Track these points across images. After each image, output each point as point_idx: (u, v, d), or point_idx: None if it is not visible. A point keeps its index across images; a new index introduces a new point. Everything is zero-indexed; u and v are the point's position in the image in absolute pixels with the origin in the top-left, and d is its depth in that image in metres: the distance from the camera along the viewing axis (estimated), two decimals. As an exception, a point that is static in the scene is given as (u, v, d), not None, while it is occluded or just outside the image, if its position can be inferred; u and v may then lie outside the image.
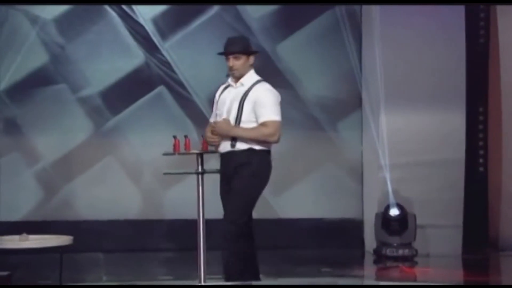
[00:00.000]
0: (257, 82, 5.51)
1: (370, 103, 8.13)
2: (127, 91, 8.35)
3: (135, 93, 8.37)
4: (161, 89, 8.40)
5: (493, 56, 8.13)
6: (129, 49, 8.35)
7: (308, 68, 8.49)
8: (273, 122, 5.39)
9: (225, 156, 5.48)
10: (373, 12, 7.97)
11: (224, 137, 5.44)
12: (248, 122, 5.42)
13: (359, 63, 8.36)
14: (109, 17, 8.35)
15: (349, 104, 8.50)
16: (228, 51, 5.51)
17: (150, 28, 8.34)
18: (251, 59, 5.54)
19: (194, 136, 7.49)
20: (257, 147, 5.42)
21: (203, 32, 8.36)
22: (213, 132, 5.49)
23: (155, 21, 8.39)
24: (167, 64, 8.39)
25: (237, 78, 5.50)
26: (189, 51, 8.37)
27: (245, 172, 5.40)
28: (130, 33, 8.35)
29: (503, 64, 8.01)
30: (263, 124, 5.38)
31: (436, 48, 7.86)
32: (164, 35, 8.40)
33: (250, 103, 5.41)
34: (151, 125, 8.30)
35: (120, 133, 8.37)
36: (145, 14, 8.38)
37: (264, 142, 5.45)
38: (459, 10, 7.88)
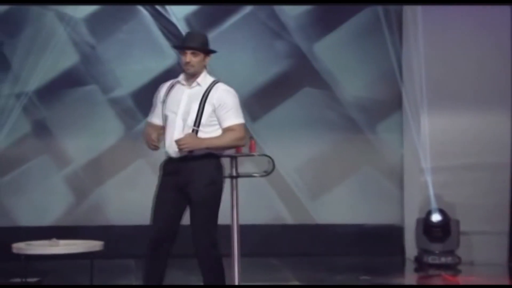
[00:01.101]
0: (215, 82, 5.30)
1: (411, 104, 8.09)
2: (159, 92, 8.38)
3: (167, 94, 8.39)
4: (194, 90, 8.41)
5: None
6: (161, 49, 8.38)
7: (346, 67, 8.47)
8: (240, 125, 5.23)
9: (178, 161, 5.22)
10: (415, 9, 7.93)
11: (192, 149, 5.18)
12: (207, 126, 5.20)
13: (400, 62, 8.31)
14: (141, 16, 8.40)
15: (389, 105, 8.46)
16: (187, 46, 5.28)
17: (182, 27, 8.35)
18: (207, 58, 5.39)
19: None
20: (214, 152, 5.23)
21: (237, 31, 8.37)
22: (181, 147, 5.15)
23: (188, 20, 8.42)
24: None
25: (190, 76, 5.29)
26: (223, 51, 8.28)
27: (205, 181, 5.18)
28: (162, 32, 8.39)
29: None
30: (230, 129, 5.20)
31: (480, 47, 7.82)
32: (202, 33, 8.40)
33: (211, 105, 5.20)
34: (184, 127, 8.31)
35: (151, 135, 8.39)
36: (178, 13, 8.41)
37: (233, 148, 5.42)
38: (505, 8, 7.82)
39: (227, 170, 5.73)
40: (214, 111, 5.19)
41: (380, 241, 8.28)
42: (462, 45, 7.83)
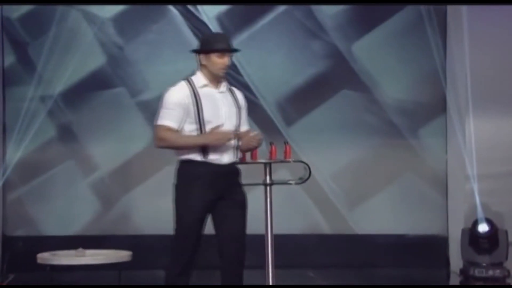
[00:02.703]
0: (228, 84, 5.49)
1: (456, 107, 8.06)
2: (189, 95, 8.41)
3: (198, 97, 8.42)
4: (226, 92, 8.44)
5: None
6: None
7: (386, 69, 8.44)
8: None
9: (226, 168, 5.31)
10: (460, 9, 7.90)
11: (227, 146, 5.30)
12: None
13: (443, 63, 8.28)
14: (171, 16, 8.45)
15: (432, 108, 8.42)
16: (232, 49, 5.45)
17: (214, 27, 8.39)
18: None
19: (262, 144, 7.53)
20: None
21: (271, 31, 8.40)
22: (260, 142, 5.39)
23: (220, 20, 8.45)
24: (232, 65, 8.28)
25: (216, 79, 5.37)
26: (256, 52, 8.39)
27: (241, 184, 5.44)
28: (193, 32, 8.41)
29: None
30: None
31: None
32: (229, 34, 8.31)
33: (240, 108, 5.43)
34: (215, 132, 8.34)
35: (182, 140, 8.42)
36: (209, 12, 8.45)
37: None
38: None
39: (261, 177, 5.74)
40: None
41: (423, 253, 8.24)
42: (509, 46, 7.80)
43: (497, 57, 7.79)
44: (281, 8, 8.42)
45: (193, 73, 5.43)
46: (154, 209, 8.23)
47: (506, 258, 7.58)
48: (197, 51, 5.41)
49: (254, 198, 7.47)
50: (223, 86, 5.39)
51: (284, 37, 8.36)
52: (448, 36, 8.26)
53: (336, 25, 8.41)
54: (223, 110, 5.30)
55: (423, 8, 8.26)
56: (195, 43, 8.47)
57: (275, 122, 8.35)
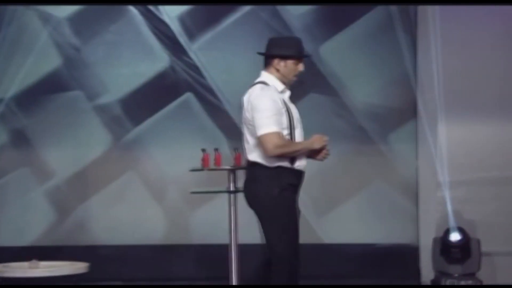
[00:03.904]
0: None
1: (427, 111, 8.09)
2: (150, 98, 8.38)
3: (159, 100, 8.40)
4: (188, 96, 8.42)
5: None
6: (152, 51, 8.39)
7: (355, 71, 8.45)
8: None
9: (302, 174, 5.46)
10: (432, 9, 7.93)
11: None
12: None
13: (415, 66, 8.31)
14: (130, 15, 8.40)
15: (403, 112, 8.44)
16: (308, 54, 5.63)
17: (176, 28, 8.37)
18: None
19: (225, 149, 7.50)
20: None
21: (236, 31, 8.37)
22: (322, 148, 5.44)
23: (182, 20, 8.43)
24: (195, 68, 8.41)
25: (284, 85, 5.48)
26: (220, 53, 8.39)
27: None
28: (154, 33, 8.39)
29: None
30: None
31: (503, 50, 7.82)
32: (192, 35, 8.43)
33: None
34: (177, 137, 8.32)
35: (142, 146, 8.39)
36: (171, 11, 8.42)
37: None
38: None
39: (225, 184, 5.72)
40: None
41: (393, 263, 8.26)
42: (483, 49, 7.83)
43: (470, 60, 7.83)
44: (246, 8, 8.40)
45: (259, 76, 5.48)
46: (112, 218, 8.24)
47: (479, 268, 7.60)
48: (273, 56, 5.46)
49: (218, 207, 7.46)
50: (289, 92, 5.49)
51: (249, 38, 8.34)
52: (418, 37, 8.29)
53: (303, 26, 8.41)
54: (296, 115, 5.42)
55: (393, 9, 8.29)
56: (155, 44, 8.53)
57: (239, 127, 8.29)
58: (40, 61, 8.26)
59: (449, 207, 7.76)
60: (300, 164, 5.35)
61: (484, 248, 7.63)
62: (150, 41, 8.35)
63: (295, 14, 8.43)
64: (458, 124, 7.87)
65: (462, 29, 7.85)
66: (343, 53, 8.43)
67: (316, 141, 5.35)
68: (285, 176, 5.29)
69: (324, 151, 5.40)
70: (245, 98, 5.41)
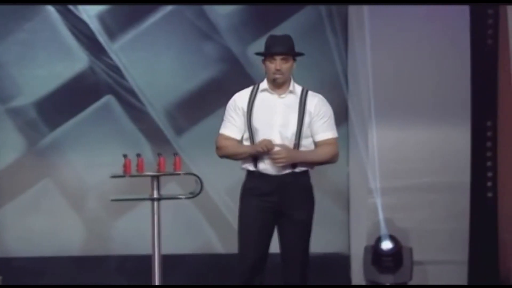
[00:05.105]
0: (306, 90, 5.60)
1: (358, 116, 8.12)
2: (67, 101, 8.28)
3: (78, 103, 8.30)
4: (108, 98, 8.34)
5: (503, 60, 8.13)
6: (70, 51, 8.29)
7: (284, 74, 8.43)
8: (336, 139, 5.62)
9: (273, 178, 5.40)
10: (362, 9, 7.97)
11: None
12: (305, 138, 5.50)
13: (345, 68, 8.34)
14: (46, 13, 8.28)
15: (334, 116, 8.42)
16: (278, 52, 5.52)
17: (95, 26, 8.28)
18: (294, 64, 5.65)
19: (148, 155, 7.46)
20: (310, 168, 5.58)
21: (159, 31, 8.31)
22: (277, 161, 5.39)
23: (102, 19, 8.34)
24: (115, 68, 8.34)
25: (278, 84, 5.48)
26: (142, 54, 8.33)
27: (309, 200, 5.57)
28: (72, 32, 8.28)
29: (515, 69, 8.06)
30: (327, 142, 5.54)
31: (436, 52, 7.88)
32: (112, 34, 8.35)
33: (309, 116, 5.49)
34: (97, 142, 8.24)
35: (59, 151, 8.29)
36: (90, 10, 8.32)
37: (324, 164, 5.63)
38: (463, 8, 7.91)
39: (148, 192, 5.68)
40: (310, 122, 5.48)
41: (324, 272, 8.25)
42: (415, 50, 7.88)
43: (402, 62, 7.89)
44: (170, 7, 8.34)
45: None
46: (27, 228, 8.14)
47: (411, 277, 7.67)
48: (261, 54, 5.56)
49: (140, 215, 7.36)
50: (289, 92, 5.51)
51: (173, 38, 8.31)
52: (349, 39, 8.33)
53: (230, 26, 8.41)
54: (277, 117, 5.39)
55: (323, 9, 8.30)
56: (73, 44, 8.43)
57: (163, 131, 8.28)
58: None
59: (381, 214, 7.83)
60: (266, 167, 5.37)
61: (416, 257, 7.70)
62: (67, 41, 8.24)
63: (221, 13, 8.42)
64: (390, 129, 7.94)
65: (393, 32, 7.90)
66: (272, 55, 8.42)
67: (258, 145, 5.35)
68: (248, 180, 5.45)
69: (274, 156, 5.37)
70: None
